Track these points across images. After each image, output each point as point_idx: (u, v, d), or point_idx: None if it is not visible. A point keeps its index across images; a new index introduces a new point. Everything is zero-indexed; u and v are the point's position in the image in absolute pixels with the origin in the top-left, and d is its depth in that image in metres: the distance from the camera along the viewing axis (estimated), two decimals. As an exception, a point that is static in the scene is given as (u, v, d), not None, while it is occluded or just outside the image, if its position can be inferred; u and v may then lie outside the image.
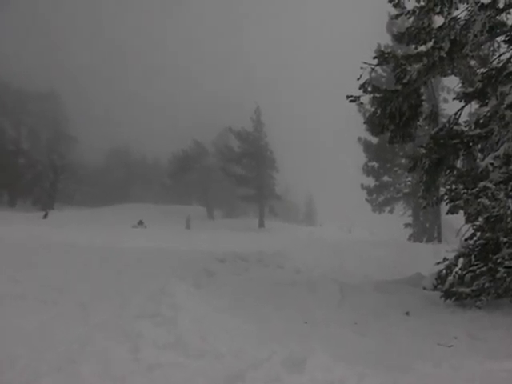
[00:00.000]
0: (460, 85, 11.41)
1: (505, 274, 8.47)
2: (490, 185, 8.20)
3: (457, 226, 10.71)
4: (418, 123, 11.12)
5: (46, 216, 44.36)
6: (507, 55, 9.88)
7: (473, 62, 10.89)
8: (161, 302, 7.91)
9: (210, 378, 4.96)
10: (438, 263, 10.06)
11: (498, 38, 10.07)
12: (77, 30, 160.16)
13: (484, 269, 8.75)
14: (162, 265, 12.86)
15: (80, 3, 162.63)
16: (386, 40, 31.95)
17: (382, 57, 10.55)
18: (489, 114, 9.44)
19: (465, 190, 8.70)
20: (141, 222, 40.99)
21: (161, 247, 17.78)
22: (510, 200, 8.03)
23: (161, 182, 75.75)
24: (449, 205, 9.54)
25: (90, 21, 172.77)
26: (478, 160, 9.88)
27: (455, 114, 10.69)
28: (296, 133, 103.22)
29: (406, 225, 36.06)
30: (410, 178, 34.34)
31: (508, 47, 9.86)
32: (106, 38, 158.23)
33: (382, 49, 26.93)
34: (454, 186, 9.49)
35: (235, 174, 57.67)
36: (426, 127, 14.73)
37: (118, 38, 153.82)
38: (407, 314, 8.51)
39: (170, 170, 70.84)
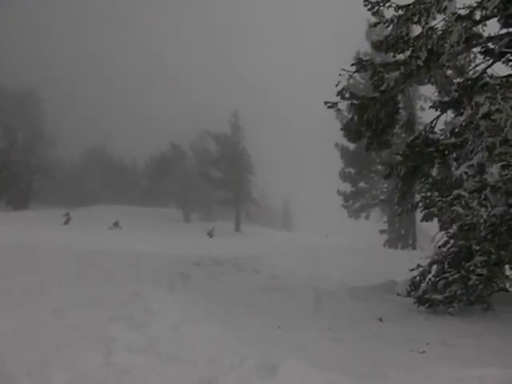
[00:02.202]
0: (436, 94, 11.57)
1: (477, 282, 8.57)
2: (463, 193, 8.31)
3: (431, 233, 10.82)
4: (395, 131, 11.24)
5: (67, 221, 41.12)
6: (483, 66, 10.07)
7: (449, 72, 11.05)
8: (135, 306, 7.83)
9: (182, 383, 4.92)
10: (412, 270, 10.15)
11: (474, 49, 10.24)
12: (59, 32, 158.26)
13: (457, 276, 8.84)
14: (137, 268, 12.73)
15: (65, 5, 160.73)
16: (367, 47, 32.15)
17: (360, 64, 10.65)
18: (464, 123, 9.58)
19: (439, 198, 8.79)
20: (116, 224, 40.71)
21: (136, 251, 17.61)
22: (482, 209, 8.13)
23: (138, 184, 75.34)
24: (423, 212, 9.64)
25: (75, 22, 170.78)
26: (452, 168, 10.01)
27: (431, 122, 10.82)
28: (278, 138, 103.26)
29: (382, 231, 36.35)
30: (386, 185, 34.68)
31: (483, 58, 10.04)
32: (91, 38, 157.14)
33: (362, 56, 27.20)
34: (428, 194, 9.59)
35: (212, 178, 57.71)
36: (403, 135, 14.88)
37: (102, 39, 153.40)
38: (380, 320, 8.55)
39: (148, 172, 70.55)
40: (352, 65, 10.62)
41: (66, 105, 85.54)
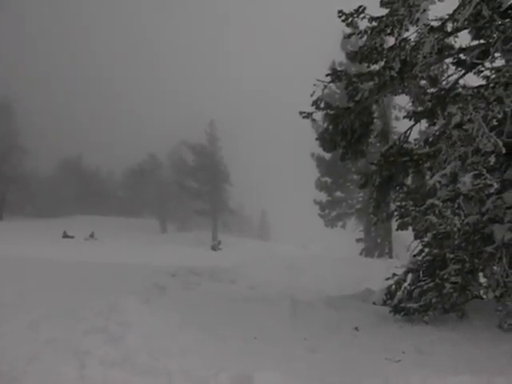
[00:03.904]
0: (410, 104, 11.68)
1: (451, 290, 8.64)
2: (437, 202, 8.36)
3: (407, 242, 10.88)
4: (370, 140, 11.32)
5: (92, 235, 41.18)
6: (455, 76, 10.22)
7: (423, 82, 11.17)
8: (109, 318, 7.71)
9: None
10: (388, 279, 10.20)
11: (447, 60, 10.37)
12: (33, 37, 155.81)
13: (431, 284, 8.91)
14: (112, 280, 12.59)
15: (37, 14, 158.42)
16: (342, 57, 32.32)
17: (335, 74, 10.72)
18: (437, 133, 9.69)
19: (413, 207, 8.85)
20: (92, 235, 40.46)
21: (111, 262, 17.44)
22: (456, 217, 8.21)
23: (114, 195, 74.74)
24: (398, 221, 9.70)
25: (49, 27, 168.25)
26: (426, 178, 10.10)
27: (405, 132, 10.92)
28: (253, 148, 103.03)
29: (358, 240, 36.53)
30: (362, 194, 34.90)
31: (456, 69, 10.19)
32: (66, 45, 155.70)
33: (337, 66, 27.44)
34: (403, 203, 9.64)
35: (189, 188, 57.62)
36: (378, 144, 15.00)
37: (79, 47, 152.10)
38: (356, 329, 8.57)
39: (125, 182, 70.13)
40: (327, 75, 10.68)
41: (42, 116, 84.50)
